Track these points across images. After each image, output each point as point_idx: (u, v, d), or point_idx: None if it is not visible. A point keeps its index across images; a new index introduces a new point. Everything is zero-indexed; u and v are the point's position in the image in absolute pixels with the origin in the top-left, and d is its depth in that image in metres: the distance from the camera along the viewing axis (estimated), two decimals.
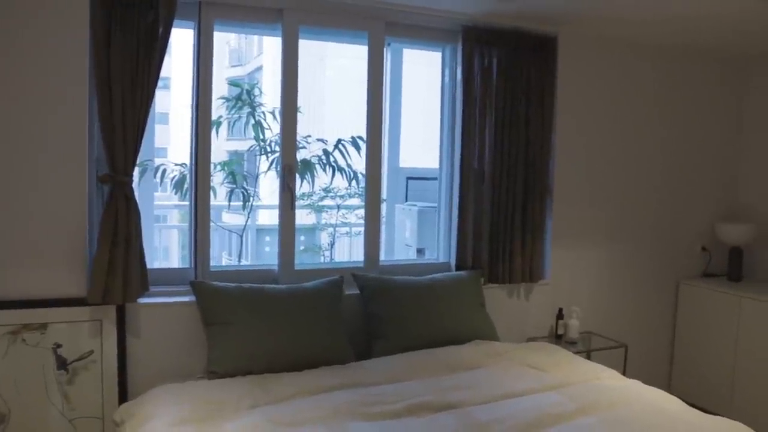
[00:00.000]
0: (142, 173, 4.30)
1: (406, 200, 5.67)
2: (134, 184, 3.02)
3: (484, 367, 3.16)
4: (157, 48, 2.96)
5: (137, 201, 3.03)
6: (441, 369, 3.10)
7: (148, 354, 3.13)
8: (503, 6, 3.51)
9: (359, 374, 2.99)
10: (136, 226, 3.00)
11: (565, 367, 3.23)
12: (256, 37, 10.90)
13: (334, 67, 9.23)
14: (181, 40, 3.61)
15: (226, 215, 6.26)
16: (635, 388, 3.00)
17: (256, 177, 4.80)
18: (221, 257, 6.19)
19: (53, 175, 2.93)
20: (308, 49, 3.45)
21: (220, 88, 5.91)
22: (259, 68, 10.72)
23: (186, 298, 3.20)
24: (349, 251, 5.77)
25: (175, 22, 3.02)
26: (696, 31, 3.99)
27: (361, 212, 3.85)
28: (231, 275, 3.38)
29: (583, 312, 4.18)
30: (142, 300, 3.11)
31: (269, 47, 10.01)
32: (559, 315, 4.10)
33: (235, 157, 6.18)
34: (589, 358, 3.87)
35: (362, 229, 3.79)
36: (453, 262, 3.86)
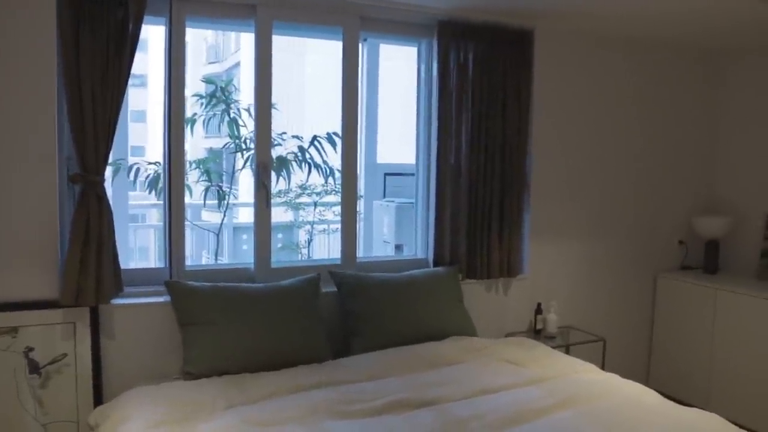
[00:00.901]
0: (115, 172, 4.25)
1: (384, 196, 5.66)
2: (107, 184, 2.98)
3: (463, 363, 3.16)
4: (127, 45, 2.91)
5: (110, 200, 2.99)
6: (419, 365, 3.09)
7: (123, 356, 3.09)
8: (478, 0, 3.49)
9: (337, 372, 2.97)
10: (108, 226, 2.95)
11: (543, 361, 3.24)
12: (233, 33, 10.85)
13: (313, 63, 9.20)
14: (157, 36, 3.56)
15: (205, 213, 6.22)
16: (613, 381, 3.01)
17: (233, 175, 4.76)
18: (201, 256, 6.14)
19: (23, 175, 2.87)
20: (287, 44, 3.41)
21: (196, 85, 5.87)
22: (237, 64, 10.66)
23: (161, 299, 3.15)
24: (328, 248, 5.75)
25: (146, 18, 2.97)
26: (672, 25, 4.00)
27: (338, 209, 3.83)
28: (207, 274, 3.34)
29: (561, 306, 4.19)
30: (116, 301, 3.07)
31: (246, 43, 9.94)
32: (538, 310, 4.11)
33: (212, 154, 6.13)
34: (567, 352, 3.87)
35: (339, 225, 3.77)
36: (431, 258, 3.85)
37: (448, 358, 3.20)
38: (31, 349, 2.91)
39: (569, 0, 3.50)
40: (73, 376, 2.98)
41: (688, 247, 4.76)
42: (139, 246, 6.03)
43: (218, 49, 12.02)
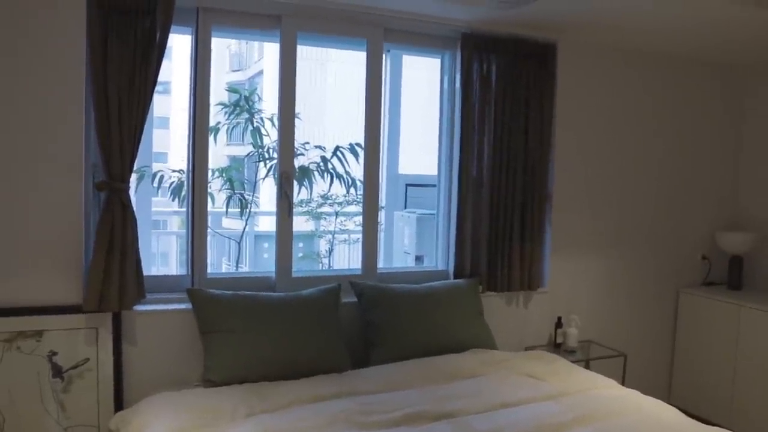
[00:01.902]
0: (140, 179, 4.29)
1: (405, 207, 5.66)
2: (132, 191, 3.01)
3: (482, 376, 3.14)
4: (154, 54, 2.95)
5: (134, 208, 3.02)
6: (438, 378, 3.09)
7: (144, 362, 3.11)
8: (502, 13, 3.50)
9: (356, 382, 2.97)
10: (132, 234, 2.98)
11: (563, 376, 3.22)
12: (257, 42, 10.90)
13: (336, 73, 9.22)
14: (182, 44, 3.60)
15: (226, 221, 6.26)
16: (633, 398, 2.98)
17: (255, 183, 4.79)
18: (221, 263, 6.17)
19: (49, 181, 2.91)
20: (309, 53, 3.44)
21: (219, 93, 5.91)
22: (260, 73, 10.71)
23: (182, 306, 3.17)
24: (348, 258, 5.76)
25: (173, 28, 3.01)
26: (695, 39, 3.98)
27: (359, 219, 3.84)
28: (228, 282, 3.37)
29: (582, 320, 4.16)
30: (139, 307, 3.09)
31: (270, 52, 10.01)
32: (558, 323, 4.08)
33: (235, 163, 6.18)
34: (587, 367, 3.85)
35: (360, 236, 3.78)
36: (451, 269, 3.84)
37: (468, 370, 3.19)
38: (54, 353, 2.94)
39: (592, 13, 3.50)
40: (95, 381, 3.00)
41: (711, 262, 4.71)
42: (161, 251, 6.08)
43: (242, 58, 12.08)
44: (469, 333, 3.52)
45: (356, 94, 3.68)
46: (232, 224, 6.20)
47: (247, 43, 11.31)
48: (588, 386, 3.10)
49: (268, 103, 4.86)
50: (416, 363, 3.22)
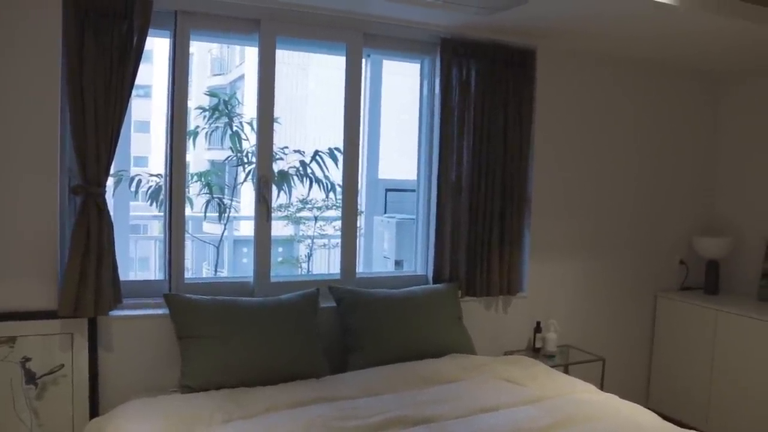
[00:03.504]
0: (117, 183, 4.25)
1: (385, 212, 5.65)
2: (109, 195, 2.98)
3: (461, 381, 3.14)
4: (132, 57, 2.92)
5: (111, 211, 2.99)
6: (417, 382, 3.08)
7: (121, 368, 3.08)
8: (481, 19, 3.50)
9: (334, 388, 2.96)
10: (108, 238, 2.95)
11: (542, 380, 3.22)
12: (238, 47, 10.88)
13: (317, 77, 9.21)
14: (163, 47, 3.57)
15: (206, 225, 6.22)
16: (611, 402, 2.99)
17: (234, 188, 4.76)
18: (201, 267, 6.13)
19: (23, 185, 2.87)
20: (290, 58, 3.43)
21: (200, 98, 5.88)
22: (241, 77, 10.68)
23: (159, 311, 3.14)
24: (328, 263, 5.73)
25: (151, 31, 2.99)
26: (673, 47, 4.02)
27: (338, 224, 3.82)
28: (206, 288, 3.34)
29: (560, 325, 4.17)
30: (115, 313, 3.06)
31: (251, 56, 9.97)
32: (537, 328, 4.09)
33: (215, 167, 6.14)
34: (566, 371, 3.86)
35: (340, 241, 3.77)
36: (430, 274, 3.84)
37: (446, 375, 3.18)
38: (28, 360, 2.89)
39: (571, 19, 3.52)
40: (70, 388, 2.96)
41: (688, 267, 4.75)
42: (140, 256, 6.02)
43: (223, 62, 12.03)
44: (448, 338, 3.52)
45: (337, 99, 3.67)
46: (213, 229, 6.16)
47: (228, 47, 11.28)
48: (566, 390, 3.11)
49: (249, 108, 4.83)
50: (395, 368, 3.21)
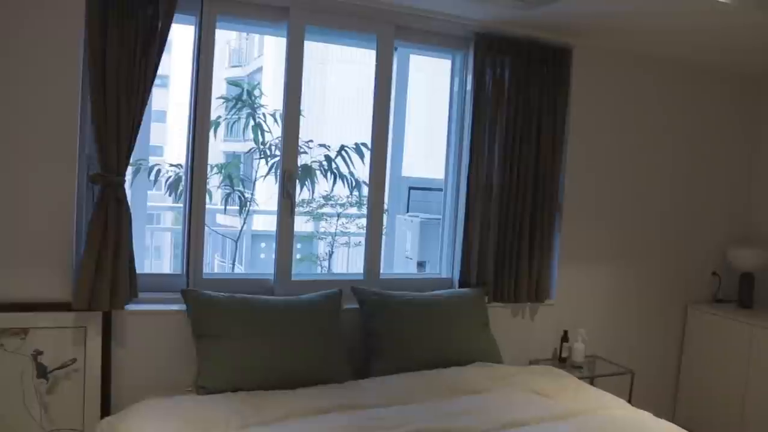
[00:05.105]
0: (135, 172, 4.16)
1: (408, 211, 5.52)
2: (127, 184, 2.87)
3: (488, 392, 3.00)
4: (156, 42, 2.82)
5: (129, 203, 2.88)
6: (443, 392, 2.95)
7: (134, 364, 2.97)
8: (518, 13, 3.37)
9: (356, 395, 2.83)
10: (126, 230, 2.84)
11: (571, 394, 3.09)
12: (257, 38, 10.83)
13: (336, 72, 9.13)
14: (181, 37, 3.47)
15: (220, 217, 6.13)
16: (645, 420, 2.84)
17: (254, 181, 4.64)
18: (213, 260, 6.04)
19: (40, 172, 2.77)
20: (310, 52, 3.31)
21: (219, 87, 5.77)
22: (259, 69, 10.62)
23: (176, 306, 3.03)
24: (347, 261, 5.62)
25: (176, 16, 2.88)
26: (712, 48, 3.88)
27: (361, 222, 3.70)
28: (225, 284, 3.22)
29: (587, 334, 4.03)
30: (130, 307, 2.94)
31: (270, 48, 9.92)
32: (564, 337, 3.95)
33: (233, 159, 6.04)
34: (592, 383, 3.71)
35: (362, 239, 3.64)
36: (456, 277, 3.72)
37: (473, 385, 3.05)
38: (39, 353, 2.79)
39: (612, 15, 3.38)
40: (81, 383, 2.86)
41: (721, 279, 4.58)
42: (155, 245, 5.96)
43: (241, 54, 11.98)
44: (474, 345, 3.39)
45: (357, 94, 3.56)
46: (228, 221, 6.07)
47: (246, 38, 11.22)
48: (597, 406, 2.96)
49: (268, 99, 4.72)
50: (419, 375, 3.09)
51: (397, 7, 3.39)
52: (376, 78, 3.51)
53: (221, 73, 11.04)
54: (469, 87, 3.65)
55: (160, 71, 2.89)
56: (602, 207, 4.16)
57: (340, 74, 8.89)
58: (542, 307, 3.96)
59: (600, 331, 4.17)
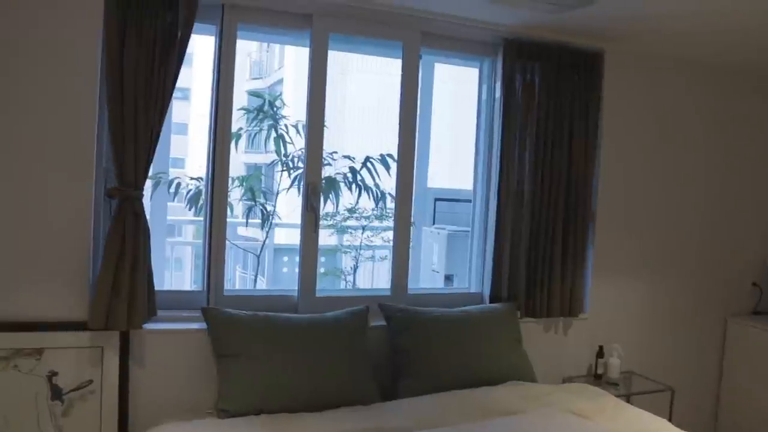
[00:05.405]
0: (155, 186, 4.08)
1: (434, 223, 5.39)
2: (146, 198, 2.77)
3: (523, 413, 2.84)
4: (175, 52, 2.72)
5: (148, 215, 2.78)
6: (475, 414, 2.80)
7: (153, 386, 2.86)
8: (547, 18, 3.24)
9: (384, 417, 2.71)
10: (144, 246, 2.74)
11: (610, 414, 2.94)
12: (277, 50, 10.83)
13: (356, 81, 9.06)
14: (202, 49, 3.39)
15: (242, 229, 6.05)
16: None
17: (276, 194, 4.53)
18: (235, 272, 5.95)
19: (56, 186, 2.68)
20: (331, 61, 3.21)
21: (240, 99, 5.70)
22: (280, 81, 10.60)
23: (196, 325, 2.93)
24: (372, 276, 5.49)
25: (196, 26, 2.78)
26: (750, 50, 3.72)
27: (386, 235, 3.58)
28: (246, 301, 3.11)
29: (623, 349, 3.86)
30: (149, 325, 2.84)
31: (291, 59, 9.88)
32: (600, 353, 3.79)
33: (254, 171, 5.94)
34: (628, 401, 3.54)
35: (386, 252, 3.52)
36: (486, 292, 3.58)
37: (507, 405, 2.90)
38: (54, 374, 2.70)
39: (643, 18, 3.23)
40: (98, 405, 2.76)
41: (762, 289, 4.40)
42: (176, 256, 5.89)
43: (262, 66, 11.98)
44: (507, 363, 3.25)
45: (377, 104, 3.45)
46: (247, 233, 5.98)
47: (267, 50, 11.20)
48: (639, 427, 2.82)
49: (290, 111, 4.63)
50: (450, 396, 2.95)
51: (423, 13, 3.27)
52: (402, 86, 3.39)
53: (242, 86, 11.03)
54: (497, 94, 3.53)
55: (181, 84, 2.81)
56: (636, 216, 4.01)
57: (361, 84, 8.81)
58: (576, 322, 3.81)
59: (635, 345, 4.01)
